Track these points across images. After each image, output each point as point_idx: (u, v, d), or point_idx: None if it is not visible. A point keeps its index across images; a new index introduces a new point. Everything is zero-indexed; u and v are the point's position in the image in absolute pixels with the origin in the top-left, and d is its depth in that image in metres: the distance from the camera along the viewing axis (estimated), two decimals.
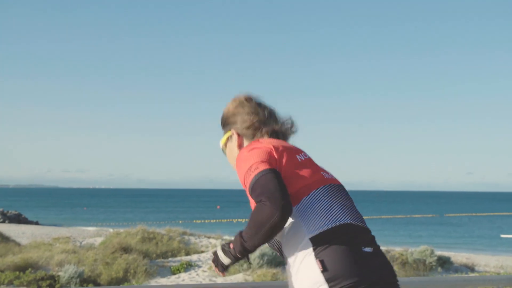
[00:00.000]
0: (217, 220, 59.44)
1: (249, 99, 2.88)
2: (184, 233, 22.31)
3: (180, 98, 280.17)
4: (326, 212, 2.46)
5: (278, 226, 2.34)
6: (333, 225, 2.43)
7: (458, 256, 24.01)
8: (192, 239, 21.49)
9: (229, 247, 2.58)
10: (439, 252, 19.00)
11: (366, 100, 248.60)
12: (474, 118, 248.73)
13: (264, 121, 2.81)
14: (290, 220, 2.47)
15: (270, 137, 2.76)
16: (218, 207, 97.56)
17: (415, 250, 18.15)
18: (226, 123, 2.90)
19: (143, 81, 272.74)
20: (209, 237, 22.47)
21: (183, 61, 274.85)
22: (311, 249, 2.40)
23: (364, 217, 2.60)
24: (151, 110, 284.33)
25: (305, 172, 2.56)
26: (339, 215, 2.47)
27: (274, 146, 2.61)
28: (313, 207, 2.47)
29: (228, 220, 60.15)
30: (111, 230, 25.80)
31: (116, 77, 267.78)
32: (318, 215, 2.45)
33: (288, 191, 2.41)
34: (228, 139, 2.87)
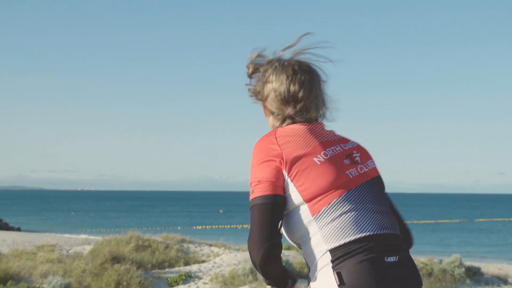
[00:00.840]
0: (220, 226, 59.47)
1: (289, 66, 2.74)
2: (183, 241, 22.30)
3: (178, 92, 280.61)
4: (348, 223, 2.48)
5: (264, 269, 2.52)
6: (354, 237, 2.46)
7: (490, 267, 23.93)
8: (192, 247, 21.48)
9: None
10: (468, 262, 18.93)
11: (388, 97, 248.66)
12: (506, 115, 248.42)
13: (297, 99, 2.71)
14: (311, 229, 2.52)
15: (295, 121, 2.69)
16: (221, 211, 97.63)
17: (441, 260, 18.10)
18: (258, 85, 2.81)
19: (136, 74, 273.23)
20: (211, 245, 22.45)
21: (179, 56, 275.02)
22: (329, 260, 2.45)
23: None
24: (146, 105, 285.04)
25: (325, 178, 2.53)
26: (362, 226, 2.49)
27: (286, 159, 2.54)
28: (334, 218, 2.49)
29: (232, 226, 60.17)
30: (101, 237, 25.78)
31: (106, 71, 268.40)
32: (339, 227, 2.48)
33: (277, 227, 2.49)
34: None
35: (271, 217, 2.48)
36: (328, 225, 2.47)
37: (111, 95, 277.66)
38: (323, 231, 2.47)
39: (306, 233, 2.52)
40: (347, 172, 2.58)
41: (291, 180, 2.51)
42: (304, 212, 2.50)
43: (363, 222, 2.49)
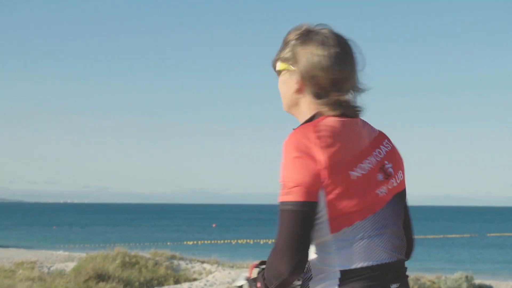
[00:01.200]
0: (213, 241, 59.38)
1: (342, 44, 2.63)
2: (173, 257, 22.26)
3: (169, 101, 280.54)
4: (365, 249, 2.51)
5: (288, 281, 2.48)
6: (368, 264, 2.50)
7: (502, 285, 23.94)
8: (183, 264, 21.44)
9: (256, 286, 2.65)
10: (478, 280, 18.96)
11: (393, 103, 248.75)
12: None
13: (341, 81, 2.61)
14: (327, 246, 2.51)
15: (336, 110, 2.59)
16: (214, 225, 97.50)
17: (449, 278, 18.09)
18: (291, 52, 2.66)
19: (123, 81, 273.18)
20: (202, 262, 22.41)
21: (169, 64, 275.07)
22: (337, 278, 2.49)
23: None
24: (134, 113, 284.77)
25: (355, 198, 2.49)
26: (378, 254, 2.53)
27: (325, 164, 2.45)
28: (353, 240, 2.50)
29: (226, 241, 60.11)
30: (85, 253, 25.70)
31: (90, 78, 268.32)
32: (356, 251, 2.50)
33: (309, 237, 2.44)
34: (289, 71, 2.67)
35: (305, 227, 2.42)
36: (346, 248, 2.49)
37: (96, 102, 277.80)
38: (340, 253, 2.49)
39: (321, 247, 2.53)
40: (377, 191, 2.57)
41: (323, 187, 2.45)
42: (323, 224, 2.48)
43: (379, 250, 2.53)
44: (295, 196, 2.42)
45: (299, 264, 2.41)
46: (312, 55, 2.59)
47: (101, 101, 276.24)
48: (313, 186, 2.43)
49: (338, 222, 2.47)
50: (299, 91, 2.64)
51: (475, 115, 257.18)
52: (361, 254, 2.49)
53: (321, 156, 2.43)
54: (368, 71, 2.68)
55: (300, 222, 2.41)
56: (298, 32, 2.67)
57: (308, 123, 2.54)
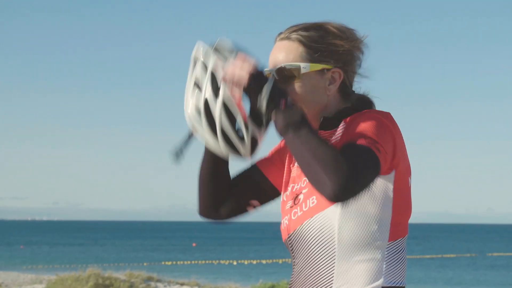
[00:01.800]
0: (193, 262, 59.31)
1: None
2: (150, 279, 22.25)
3: (148, 110, 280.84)
4: (404, 267, 2.52)
5: (325, 191, 2.18)
6: (402, 285, 2.50)
7: None
8: (160, 286, 21.45)
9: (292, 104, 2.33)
10: None
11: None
12: None
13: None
14: (376, 251, 2.44)
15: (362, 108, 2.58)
16: (194, 244, 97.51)
17: None
18: (329, 51, 2.53)
19: (97, 90, 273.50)
20: (182, 284, 22.45)
21: (147, 74, 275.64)
22: None
23: None
24: (107, 123, 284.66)
25: (410, 204, 2.54)
26: (405, 274, 2.54)
27: (403, 153, 2.48)
28: (400, 254, 2.50)
29: (207, 261, 60.05)
30: (55, 275, 25.60)
31: (61, 85, 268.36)
32: (400, 267, 2.49)
33: (371, 182, 2.29)
34: (320, 71, 2.52)
35: (375, 171, 2.29)
36: (394, 260, 2.46)
37: (69, 112, 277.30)
38: (389, 264, 2.45)
39: (369, 251, 2.45)
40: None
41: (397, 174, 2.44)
42: (385, 227, 2.43)
43: (405, 271, 2.54)
44: (377, 151, 2.30)
45: (352, 192, 2.20)
46: (348, 49, 2.54)
47: (74, 111, 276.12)
48: (391, 160, 2.40)
49: (396, 230, 2.47)
50: (330, 91, 2.54)
51: (475, 127, 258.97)
52: (403, 272, 2.49)
53: (401, 143, 2.46)
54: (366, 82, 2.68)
55: (376, 168, 2.29)
56: (317, 27, 2.56)
57: (377, 110, 2.52)
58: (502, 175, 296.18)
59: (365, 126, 2.35)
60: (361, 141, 2.29)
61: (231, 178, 2.72)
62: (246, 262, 58.12)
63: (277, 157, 2.74)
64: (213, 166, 2.65)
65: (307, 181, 2.42)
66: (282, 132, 2.28)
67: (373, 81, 2.64)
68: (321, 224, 2.44)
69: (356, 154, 2.24)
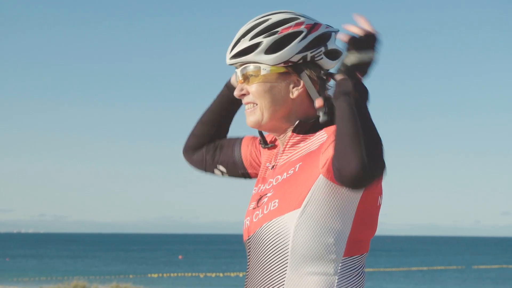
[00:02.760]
0: (179, 274, 59.09)
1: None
2: None
3: (133, 120, 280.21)
4: (361, 284, 2.49)
5: (352, 164, 2.16)
6: None
7: None
8: None
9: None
10: None
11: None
12: (511, 147, 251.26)
13: None
14: (329, 265, 2.41)
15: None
16: (180, 257, 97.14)
17: None
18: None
19: (85, 100, 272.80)
20: None
21: (135, 84, 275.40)
22: None
23: (371, 269, 2.61)
24: (96, 134, 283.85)
25: (375, 223, 2.54)
26: None
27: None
28: (357, 271, 2.48)
29: (194, 274, 59.80)
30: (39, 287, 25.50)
31: (50, 89, 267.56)
32: (356, 284, 2.46)
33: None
34: (280, 75, 2.54)
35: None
36: (349, 277, 2.44)
37: (55, 122, 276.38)
38: (343, 280, 2.42)
39: (322, 263, 2.42)
40: None
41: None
42: (341, 241, 2.42)
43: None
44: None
45: (377, 173, 2.19)
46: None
47: (62, 124, 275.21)
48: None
49: (356, 246, 2.45)
50: (294, 94, 2.58)
51: (463, 141, 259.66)
52: None
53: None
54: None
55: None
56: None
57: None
58: (489, 188, 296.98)
59: None
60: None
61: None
62: (232, 275, 57.96)
63: (257, 150, 2.82)
64: (228, 106, 2.82)
65: (273, 183, 2.52)
66: (342, 93, 2.26)
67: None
68: (278, 230, 2.43)
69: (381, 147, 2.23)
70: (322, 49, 2.52)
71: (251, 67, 2.52)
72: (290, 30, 2.48)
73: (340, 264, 2.40)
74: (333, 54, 2.56)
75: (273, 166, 2.61)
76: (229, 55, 2.57)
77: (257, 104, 2.54)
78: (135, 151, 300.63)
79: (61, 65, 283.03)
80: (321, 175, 2.37)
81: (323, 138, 2.45)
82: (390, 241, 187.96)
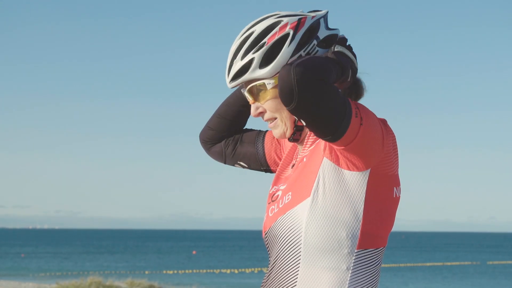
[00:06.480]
0: (194, 270, 59.10)
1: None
2: (152, 287, 22.16)
3: (147, 118, 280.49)
4: (375, 280, 2.49)
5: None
6: None
7: None
8: None
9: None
10: None
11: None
12: None
13: None
14: (345, 259, 2.41)
15: None
16: (194, 252, 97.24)
17: None
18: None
19: (97, 99, 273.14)
20: None
21: (147, 84, 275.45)
22: None
23: (386, 265, 2.60)
24: (111, 132, 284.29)
25: (392, 215, 2.53)
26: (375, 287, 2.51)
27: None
28: (372, 266, 2.46)
29: (208, 270, 59.84)
30: (55, 284, 25.54)
31: (61, 85, 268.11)
32: (370, 280, 2.46)
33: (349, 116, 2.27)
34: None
35: (344, 101, 2.27)
36: (362, 272, 2.44)
37: (70, 122, 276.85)
38: (355, 274, 2.42)
39: (334, 257, 2.42)
40: None
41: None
42: (354, 235, 2.42)
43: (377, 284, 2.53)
44: (355, 122, 2.30)
45: (317, 90, 2.19)
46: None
47: (74, 121, 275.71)
48: (383, 140, 2.44)
49: (372, 239, 2.45)
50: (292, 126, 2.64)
51: (477, 137, 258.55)
52: (374, 286, 2.48)
53: (389, 146, 2.49)
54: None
55: (378, 130, 2.40)
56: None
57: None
58: (504, 184, 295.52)
59: None
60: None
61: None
62: (247, 271, 57.93)
63: (281, 147, 2.82)
64: (246, 102, 2.74)
65: (288, 179, 2.56)
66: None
67: (372, 89, 2.63)
68: (291, 223, 2.43)
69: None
70: (315, 41, 2.46)
71: (255, 85, 2.49)
72: (276, 37, 2.42)
73: (354, 258, 2.39)
74: (328, 41, 2.51)
75: (293, 165, 2.61)
76: (227, 79, 2.54)
77: (277, 118, 2.54)
78: (151, 147, 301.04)
79: (73, 61, 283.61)
80: (324, 157, 2.39)
81: None
82: (405, 237, 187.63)
